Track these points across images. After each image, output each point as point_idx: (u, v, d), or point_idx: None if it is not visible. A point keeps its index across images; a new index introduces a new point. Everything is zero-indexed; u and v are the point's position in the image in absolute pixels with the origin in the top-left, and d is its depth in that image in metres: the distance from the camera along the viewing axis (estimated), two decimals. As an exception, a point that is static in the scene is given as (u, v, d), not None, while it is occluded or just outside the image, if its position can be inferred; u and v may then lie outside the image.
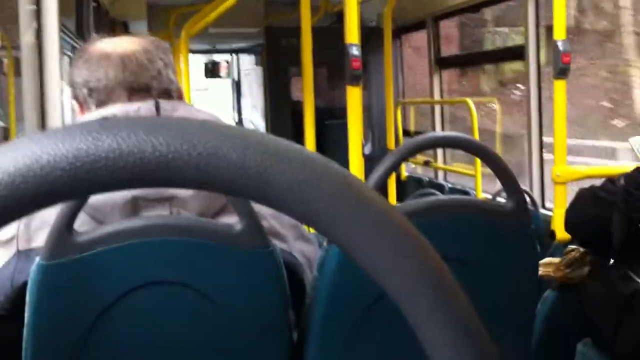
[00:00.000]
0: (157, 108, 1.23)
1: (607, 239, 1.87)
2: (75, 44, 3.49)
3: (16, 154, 0.29)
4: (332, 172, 0.31)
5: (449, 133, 1.95)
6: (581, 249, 2.13)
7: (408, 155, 1.32)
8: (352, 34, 2.76)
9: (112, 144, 0.30)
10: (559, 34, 2.83)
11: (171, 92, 1.33)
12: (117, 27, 5.72)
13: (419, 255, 0.32)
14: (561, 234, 2.87)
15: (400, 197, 4.80)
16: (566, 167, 2.91)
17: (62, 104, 2.25)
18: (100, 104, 1.29)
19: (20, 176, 0.29)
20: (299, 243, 1.29)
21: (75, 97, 1.35)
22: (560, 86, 2.83)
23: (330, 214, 0.31)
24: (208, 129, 0.31)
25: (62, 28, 2.51)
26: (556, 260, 2.07)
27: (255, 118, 9.09)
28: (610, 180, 1.92)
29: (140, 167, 0.30)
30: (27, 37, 2.29)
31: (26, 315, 1.06)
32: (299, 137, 5.19)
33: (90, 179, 0.30)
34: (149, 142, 0.30)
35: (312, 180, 0.31)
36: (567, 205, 2.06)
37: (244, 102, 9.53)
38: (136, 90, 1.29)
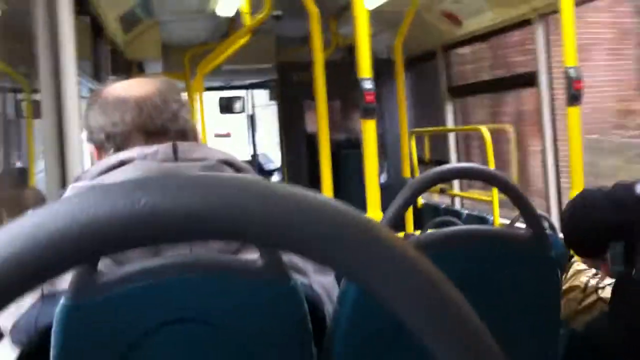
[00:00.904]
0: (175, 150, 1.25)
1: (630, 247, 1.79)
2: (92, 86, 3.55)
3: (54, 215, 0.31)
4: (355, 221, 0.33)
5: (464, 164, 1.96)
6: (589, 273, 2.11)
7: (424, 189, 1.33)
8: (365, 68, 2.79)
9: (148, 204, 0.31)
10: (570, 61, 2.84)
11: (187, 133, 1.35)
12: (132, 68, 5.81)
13: (440, 295, 0.33)
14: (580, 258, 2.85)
15: (417, 225, 4.79)
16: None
17: (81, 146, 2.29)
18: (118, 147, 1.31)
19: (60, 236, 0.30)
20: (319, 276, 1.30)
21: (92, 141, 1.37)
22: (573, 112, 2.84)
23: (354, 261, 0.32)
24: (236, 184, 0.32)
25: (80, 71, 2.56)
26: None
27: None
28: (623, 186, 1.82)
29: (174, 224, 0.31)
30: (45, 80, 2.34)
31: (52, 356, 1.07)
32: (314, 169, 5.21)
33: (125, 237, 0.31)
34: (183, 199, 0.31)
35: (336, 230, 0.32)
36: (567, 212, 1.93)
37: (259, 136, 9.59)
38: (153, 133, 1.31)
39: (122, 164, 1.23)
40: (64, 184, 2.26)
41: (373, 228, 0.33)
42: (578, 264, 2.22)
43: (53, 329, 1.07)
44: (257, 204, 0.32)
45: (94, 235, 0.31)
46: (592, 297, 2.08)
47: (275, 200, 0.32)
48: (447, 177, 1.49)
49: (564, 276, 2.16)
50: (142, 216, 0.31)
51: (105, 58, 4.03)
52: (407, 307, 0.33)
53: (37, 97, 2.48)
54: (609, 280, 2.09)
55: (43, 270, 0.30)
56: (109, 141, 1.32)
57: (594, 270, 2.14)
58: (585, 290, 2.08)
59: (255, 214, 0.32)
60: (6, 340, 1.26)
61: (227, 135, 9.74)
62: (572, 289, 2.12)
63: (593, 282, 2.09)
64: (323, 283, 1.30)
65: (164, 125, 1.32)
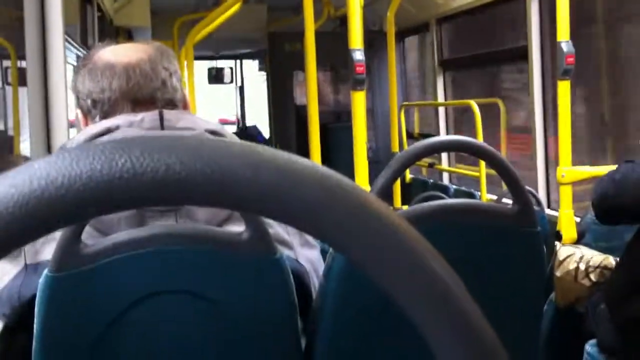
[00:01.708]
0: (161, 119, 1.23)
1: None
2: (79, 53, 3.50)
3: (31, 175, 0.30)
4: (345, 188, 0.32)
5: (452, 137, 1.95)
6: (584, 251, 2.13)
7: (412, 161, 1.32)
8: (356, 39, 2.77)
9: (126, 164, 0.30)
10: (563, 35, 2.83)
11: (176, 102, 1.33)
12: (121, 35, 5.73)
13: (428, 266, 0.32)
14: (567, 234, 2.87)
15: (405, 200, 4.80)
16: (571, 168, 2.91)
17: (67, 113, 2.26)
18: (105, 115, 1.29)
19: (34, 198, 0.29)
20: (304, 249, 1.30)
21: (80, 107, 1.35)
22: (563, 87, 2.83)
23: (343, 230, 0.32)
24: (221, 147, 0.31)
25: (67, 37, 2.52)
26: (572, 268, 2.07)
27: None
28: None
29: (154, 187, 0.30)
30: (31, 46, 2.30)
31: (35, 327, 1.07)
32: (303, 141, 5.20)
33: (105, 199, 0.30)
34: (163, 161, 0.30)
35: (325, 197, 0.31)
36: (615, 178, 1.97)
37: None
38: (140, 102, 1.29)
39: (107, 131, 1.21)
40: (49, 151, 2.24)
41: (362, 196, 0.32)
42: (566, 248, 2.23)
43: (37, 300, 1.06)
44: (242, 166, 0.31)
45: (72, 196, 0.30)
46: (585, 282, 2.10)
47: (262, 163, 0.31)
48: (435, 150, 1.48)
49: (553, 259, 2.18)
50: (121, 177, 0.30)
51: (93, 24, 3.98)
52: (396, 280, 0.32)
53: (24, 64, 2.44)
54: (595, 261, 2.11)
55: (18, 232, 0.29)
56: (96, 108, 1.30)
57: (579, 254, 2.15)
58: (576, 278, 2.11)
59: (240, 177, 0.31)
60: None
61: (236, 122, 9.55)
62: (563, 278, 2.14)
63: (582, 266, 2.11)
64: (308, 256, 1.30)
65: (152, 94, 1.30)
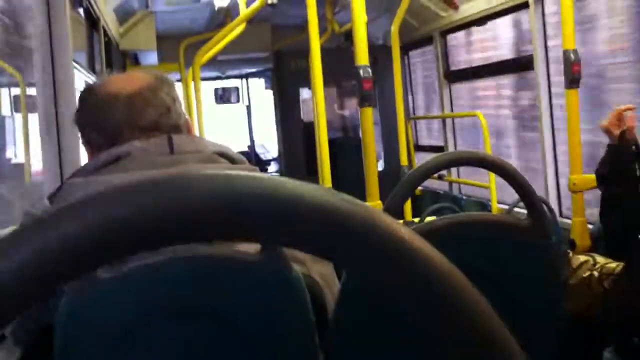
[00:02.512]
0: (170, 143, 1.24)
1: None
2: (87, 79, 3.53)
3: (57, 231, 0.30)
4: (355, 211, 0.32)
5: (463, 152, 1.95)
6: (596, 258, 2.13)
7: (422, 179, 1.32)
8: (362, 56, 2.78)
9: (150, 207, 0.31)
10: (568, 44, 2.83)
11: (180, 127, 1.35)
12: (127, 59, 5.78)
13: (447, 283, 0.32)
14: (581, 242, 2.85)
15: (416, 212, 4.79)
16: (582, 176, 2.90)
17: (78, 139, 2.27)
18: (110, 145, 1.30)
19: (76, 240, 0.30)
20: (317, 265, 1.30)
21: (85, 140, 1.36)
22: (571, 96, 2.83)
23: (360, 257, 0.32)
24: (225, 180, 0.32)
25: (75, 63, 2.54)
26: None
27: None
28: None
29: (175, 226, 0.31)
30: (41, 73, 2.32)
31: (55, 350, 1.07)
32: (311, 157, 5.20)
33: (127, 243, 0.31)
34: (184, 202, 0.31)
35: (339, 222, 0.32)
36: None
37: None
38: (145, 128, 1.30)
39: (118, 158, 1.22)
40: (61, 177, 2.25)
41: (376, 218, 0.33)
42: (579, 255, 2.23)
43: (55, 326, 1.06)
44: (258, 202, 0.31)
45: (105, 240, 0.30)
46: (599, 289, 2.09)
47: (280, 195, 0.31)
48: (446, 165, 1.48)
49: (567, 267, 2.17)
50: (141, 221, 0.30)
51: (101, 50, 4.01)
52: (414, 299, 0.32)
53: (31, 91, 2.46)
54: (609, 268, 2.10)
55: (52, 278, 0.30)
56: (101, 138, 1.31)
57: (592, 261, 2.15)
58: (589, 286, 2.10)
59: (257, 211, 0.31)
60: (8, 341, 1.26)
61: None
62: (577, 286, 2.13)
63: (596, 274, 2.10)
64: (322, 272, 1.30)
65: (156, 120, 1.31)
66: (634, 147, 2.13)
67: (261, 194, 0.31)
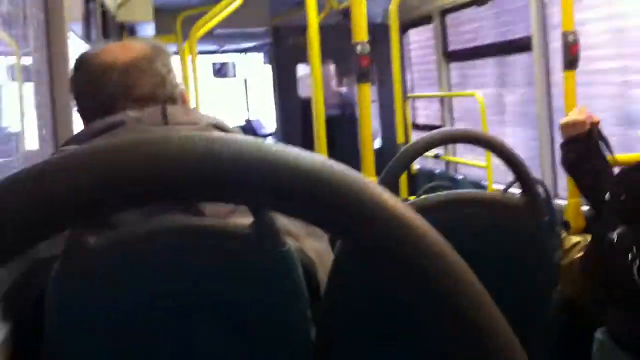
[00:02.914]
0: (164, 114, 1.23)
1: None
2: (83, 49, 3.50)
3: (43, 175, 0.30)
4: (350, 180, 0.32)
5: (458, 129, 1.95)
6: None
7: (417, 154, 1.32)
8: (360, 32, 2.76)
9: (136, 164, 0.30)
10: (567, 25, 2.82)
11: (175, 97, 1.34)
12: (124, 31, 5.73)
13: (440, 258, 0.32)
14: (575, 223, 2.86)
15: (411, 191, 4.79)
16: (578, 158, 2.89)
17: (72, 109, 2.26)
18: (105, 113, 1.29)
19: (45, 198, 0.29)
20: (311, 240, 1.30)
21: (80, 109, 1.35)
22: (569, 77, 2.82)
23: (352, 222, 0.31)
24: (229, 144, 0.31)
25: (71, 33, 2.52)
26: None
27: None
28: None
29: (164, 183, 0.30)
30: (36, 43, 2.30)
31: (45, 321, 1.07)
32: (308, 134, 5.19)
33: (115, 197, 0.30)
34: (176, 160, 0.30)
35: (331, 189, 0.31)
36: None
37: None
38: (140, 99, 1.29)
39: (111, 127, 1.21)
40: (56, 146, 2.24)
41: (370, 187, 0.32)
42: (571, 237, 2.24)
43: (46, 297, 1.06)
44: (254, 164, 0.31)
45: (84, 196, 0.30)
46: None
47: (276, 160, 0.31)
48: (442, 142, 1.48)
49: (560, 249, 2.18)
50: (133, 175, 0.30)
51: (97, 21, 3.97)
52: (405, 271, 0.32)
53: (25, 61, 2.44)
54: None
55: (30, 231, 0.29)
56: (96, 108, 1.30)
57: (584, 243, 2.16)
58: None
59: (252, 174, 0.31)
60: None
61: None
62: (569, 267, 2.14)
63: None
64: (315, 247, 1.30)
65: (151, 91, 1.30)
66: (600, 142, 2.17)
67: (252, 155, 0.31)
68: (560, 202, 3.20)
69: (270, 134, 8.84)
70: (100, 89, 1.30)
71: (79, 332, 1.09)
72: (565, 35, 2.82)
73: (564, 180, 3.29)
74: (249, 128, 9.02)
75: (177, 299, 1.10)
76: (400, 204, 0.33)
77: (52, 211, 0.29)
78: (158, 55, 1.34)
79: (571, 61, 2.80)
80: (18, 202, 0.29)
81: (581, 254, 2.13)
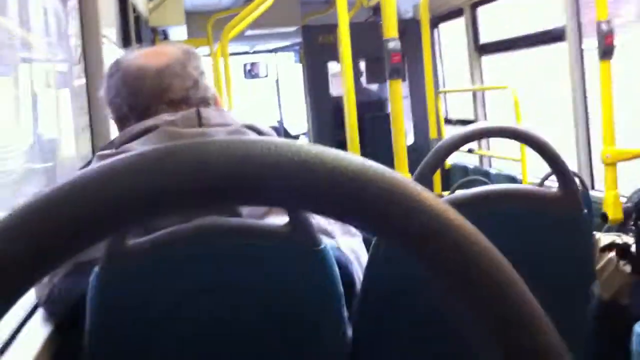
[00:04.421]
0: (199, 116, 1.25)
1: None
2: (118, 55, 3.55)
3: (84, 185, 0.30)
4: (387, 177, 0.32)
5: (492, 124, 1.93)
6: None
7: (451, 150, 1.31)
8: (391, 29, 2.76)
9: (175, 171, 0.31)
10: (601, 15, 2.77)
11: (208, 100, 1.35)
12: (157, 35, 5.80)
13: (479, 253, 0.32)
14: (613, 215, 2.81)
15: (445, 186, 4.76)
16: (615, 148, 2.85)
17: (108, 113, 2.29)
18: (139, 118, 1.31)
19: (86, 208, 0.30)
20: (346, 238, 1.30)
21: (114, 115, 1.37)
22: (605, 67, 2.78)
23: (389, 220, 0.32)
24: (262, 147, 0.32)
25: (106, 39, 2.56)
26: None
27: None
28: None
29: (202, 190, 0.31)
30: (71, 50, 2.34)
31: (87, 323, 1.09)
32: (340, 132, 5.19)
33: (155, 206, 0.31)
34: (212, 168, 0.31)
35: (368, 188, 0.31)
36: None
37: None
38: (174, 102, 1.31)
39: (146, 131, 1.23)
40: (93, 152, 2.28)
41: (408, 187, 0.32)
42: (605, 237, 2.20)
43: (87, 298, 1.08)
44: (289, 167, 0.31)
45: (129, 204, 0.30)
46: (627, 269, 2.07)
47: (313, 161, 0.31)
48: (476, 137, 1.47)
49: (595, 247, 2.15)
50: (171, 183, 0.30)
51: (130, 26, 4.02)
52: (443, 267, 0.32)
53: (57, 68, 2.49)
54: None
55: (77, 239, 0.30)
56: (131, 112, 1.32)
57: (619, 242, 2.12)
58: (617, 266, 2.07)
59: (289, 177, 0.31)
60: (41, 311, 1.29)
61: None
62: (605, 268, 2.11)
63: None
64: (351, 245, 1.30)
65: (185, 94, 1.32)
66: None
67: (288, 157, 0.31)
68: (597, 194, 3.15)
69: (303, 133, 8.85)
70: (134, 93, 1.32)
71: (119, 333, 1.10)
72: (599, 24, 2.77)
73: (601, 172, 3.25)
74: (281, 128, 9.03)
75: (214, 296, 1.11)
76: (439, 201, 0.33)
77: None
78: (190, 59, 1.35)
79: (606, 51, 2.76)
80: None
81: (613, 254, 2.09)
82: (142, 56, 1.36)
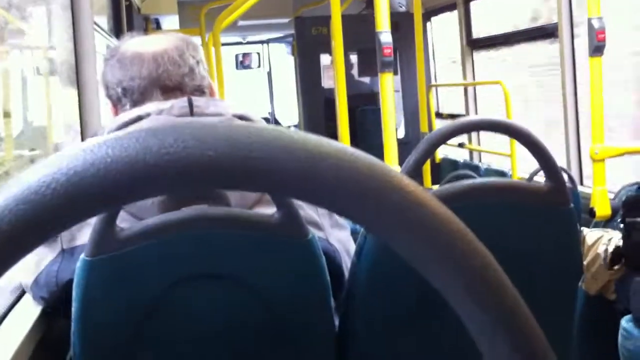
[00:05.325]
0: (191, 105, 1.25)
1: None
2: (109, 42, 3.53)
3: (68, 162, 0.30)
4: (374, 168, 0.32)
5: (482, 117, 1.94)
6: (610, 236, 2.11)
7: (442, 141, 1.31)
8: (383, 22, 2.75)
9: (161, 151, 0.31)
10: (593, 11, 2.78)
11: (203, 89, 1.35)
12: (149, 24, 5.77)
13: (464, 249, 0.32)
14: (601, 211, 2.83)
15: (435, 180, 4.77)
16: (604, 145, 2.87)
17: (98, 102, 2.29)
18: (134, 103, 1.31)
19: (71, 184, 0.30)
20: (335, 230, 1.30)
21: (109, 96, 1.37)
22: (595, 64, 2.79)
23: (375, 211, 0.32)
24: (252, 132, 0.32)
25: (97, 26, 2.55)
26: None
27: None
28: None
29: (187, 172, 0.31)
30: (61, 37, 2.33)
31: (73, 310, 1.09)
32: (331, 125, 5.19)
33: (139, 185, 0.31)
34: (197, 147, 0.31)
35: (355, 177, 0.31)
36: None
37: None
38: (169, 88, 1.31)
39: (138, 119, 1.23)
40: (82, 139, 2.27)
41: (395, 177, 0.32)
42: (593, 232, 2.21)
43: (74, 284, 1.08)
44: (274, 150, 0.31)
45: (108, 183, 0.30)
46: (615, 265, 2.08)
47: (294, 146, 0.31)
48: (465, 130, 1.47)
49: (583, 243, 2.16)
50: (159, 163, 0.30)
51: (121, 14, 4.00)
52: (429, 258, 0.32)
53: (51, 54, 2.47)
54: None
55: (54, 218, 0.30)
56: (126, 96, 1.33)
57: (607, 237, 2.13)
58: (605, 261, 2.08)
59: (273, 160, 0.31)
60: (28, 297, 1.29)
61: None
62: (593, 263, 2.12)
63: (610, 249, 2.09)
64: (339, 237, 1.31)
65: (180, 81, 1.32)
66: None
67: (276, 143, 0.31)
68: (586, 190, 3.17)
69: (294, 125, 8.84)
70: (130, 77, 1.32)
71: (105, 320, 1.10)
72: (591, 20, 2.78)
73: (589, 168, 3.26)
74: (272, 119, 9.02)
75: (201, 284, 1.11)
76: (423, 192, 0.33)
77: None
78: (188, 47, 1.36)
79: (597, 47, 2.77)
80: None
81: (605, 247, 2.10)
82: (140, 41, 1.37)
